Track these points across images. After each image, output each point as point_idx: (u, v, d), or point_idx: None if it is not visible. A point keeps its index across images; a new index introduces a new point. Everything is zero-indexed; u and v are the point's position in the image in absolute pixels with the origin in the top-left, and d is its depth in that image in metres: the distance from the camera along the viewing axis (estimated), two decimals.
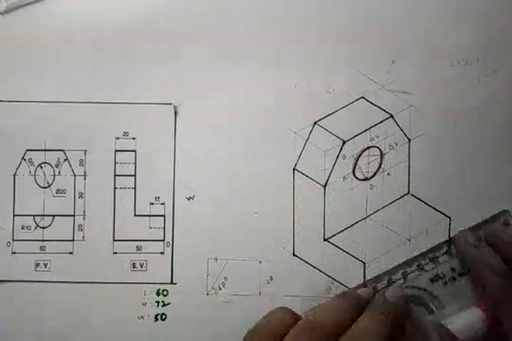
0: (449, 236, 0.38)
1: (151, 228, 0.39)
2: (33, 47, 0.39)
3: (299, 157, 0.38)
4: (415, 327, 0.35)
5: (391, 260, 0.38)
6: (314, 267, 0.38)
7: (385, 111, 0.38)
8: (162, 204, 0.39)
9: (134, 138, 0.39)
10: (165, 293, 0.38)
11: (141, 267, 0.38)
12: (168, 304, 0.38)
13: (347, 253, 0.38)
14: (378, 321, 0.33)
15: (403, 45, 0.39)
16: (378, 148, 0.38)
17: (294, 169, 0.38)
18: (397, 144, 0.38)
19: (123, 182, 0.39)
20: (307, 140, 0.38)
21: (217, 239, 0.38)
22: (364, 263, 0.38)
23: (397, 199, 0.38)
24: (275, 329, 0.34)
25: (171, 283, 0.38)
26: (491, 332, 0.35)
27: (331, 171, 0.38)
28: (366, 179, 0.38)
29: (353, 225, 0.38)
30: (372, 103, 0.39)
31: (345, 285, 0.38)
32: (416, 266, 0.38)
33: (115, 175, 0.39)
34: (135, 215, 0.39)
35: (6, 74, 0.39)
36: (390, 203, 0.38)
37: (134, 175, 0.39)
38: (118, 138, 0.39)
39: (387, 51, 0.39)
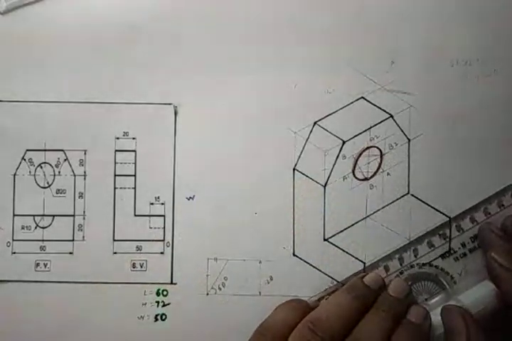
0: (450, 236, 0.38)
1: (151, 228, 0.39)
2: (33, 47, 0.39)
3: (299, 157, 0.38)
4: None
5: None
6: (314, 267, 0.38)
7: (384, 111, 0.38)
8: (162, 204, 0.39)
9: (134, 138, 0.39)
10: (165, 293, 0.38)
11: (141, 267, 0.38)
12: (168, 304, 0.38)
13: (347, 253, 0.38)
14: (383, 324, 0.33)
15: (403, 45, 0.39)
16: (378, 148, 0.38)
17: (294, 169, 0.38)
18: (396, 144, 0.38)
19: (123, 182, 0.39)
20: (307, 140, 0.38)
21: (217, 239, 0.38)
22: (364, 263, 0.38)
23: (397, 199, 0.38)
24: (279, 330, 0.34)
25: (171, 283, 0.38)
26: (504, 306, 0.35)
27: (331, 171, 0.38)
28: (366, 179, 0.38)
29: (353, 225, 0.38)
30: (372, 103, 0.39)
31: None
32: (426, 242, 0.38)
33: (115, 175, 0.39)
34: (135, 215, 0.39)
35: (6, 74, 0.39)
36: (390, 203, 0.38)
37: (134, 175, 0.39)
38: (118, 138, 0.39)
39: (387, 51, 0.39)
